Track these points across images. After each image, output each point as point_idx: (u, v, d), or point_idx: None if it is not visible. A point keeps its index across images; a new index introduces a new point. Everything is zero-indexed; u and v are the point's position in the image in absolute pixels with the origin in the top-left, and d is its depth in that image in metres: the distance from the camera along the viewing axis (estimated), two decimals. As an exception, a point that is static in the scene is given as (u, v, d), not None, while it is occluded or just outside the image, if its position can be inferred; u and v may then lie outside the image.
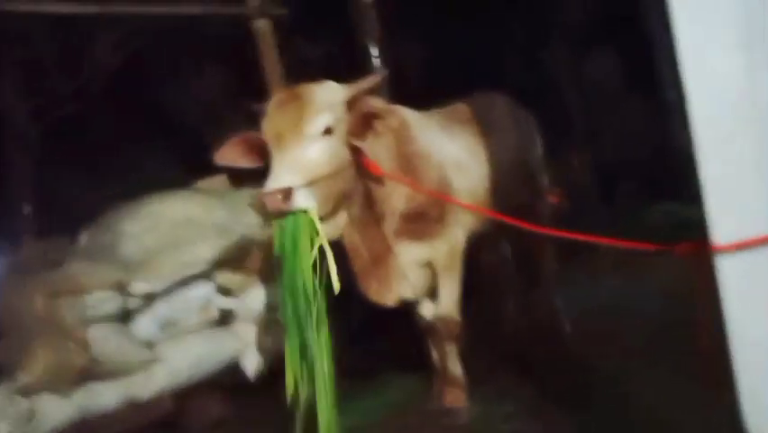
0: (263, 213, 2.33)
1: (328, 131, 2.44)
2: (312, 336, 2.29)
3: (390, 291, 2.83)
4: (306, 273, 2.29)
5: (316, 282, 2.30)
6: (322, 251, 2.35)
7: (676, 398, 2.52)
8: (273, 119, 2.45)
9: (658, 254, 1.71)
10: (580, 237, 2.02)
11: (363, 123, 2.54)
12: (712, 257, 1.48)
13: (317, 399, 2.31)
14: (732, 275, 1.47)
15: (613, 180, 6.70)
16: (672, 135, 6.75)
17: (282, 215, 2.29)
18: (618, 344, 3.30)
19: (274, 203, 2.27)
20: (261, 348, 3.59)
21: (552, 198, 3.84)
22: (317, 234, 2.32)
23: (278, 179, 2.31)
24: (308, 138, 2.40)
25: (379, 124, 2.54)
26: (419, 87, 4.86)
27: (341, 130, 2.50)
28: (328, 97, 2.49)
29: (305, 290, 2.28)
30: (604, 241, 1.90)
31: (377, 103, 2.78)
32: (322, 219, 2.37)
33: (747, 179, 1.48)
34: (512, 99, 3.65)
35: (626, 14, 6.53)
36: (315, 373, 2.30)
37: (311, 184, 2.33)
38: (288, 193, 2.27)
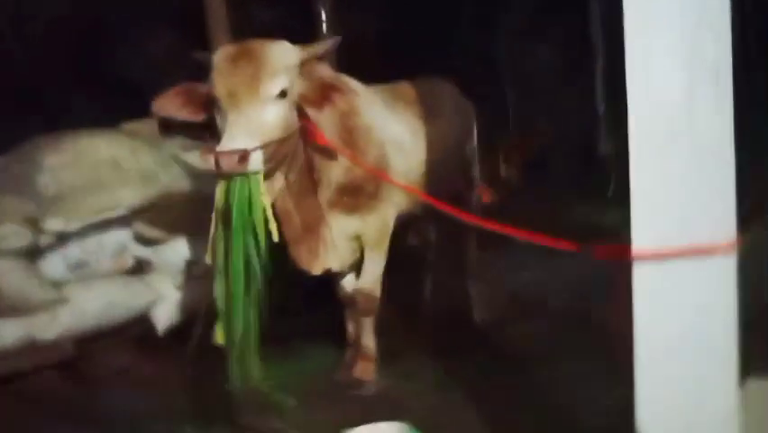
0: (213, 170, 2.30)
1: (283, 94, 2.42)
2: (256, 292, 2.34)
3: (318, 260, 2.84)
4: (259, 231, 2.31)
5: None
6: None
7: (577, 387, 2.68)
8: (226, 75, 2.38)
9: (579, 253, 1.79)
10: (507, 230, 2.09)
11: (322, 93, 2.52)
12: (630, 261, 1.58)
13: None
14: (646, 281, 1.57)
15: (542, 177, 6.92)
16: (597, 141, 7.06)
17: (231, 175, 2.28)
18: (527, 333, 3.46)
19: (230, 163, 2.24)
20: (174, 302, 3.53)
21: (481, 194, 3.93)
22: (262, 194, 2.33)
23: (235, 140, 2.28)
24: (264, 100, 2.37)
25: (337, 98, 2.53)
26: (365, 60, 4.83)
27: (293, 93, 2.48)
28: (284, 58, 2.45)
29: (257, 247, 2.31)
30: (527, 236, 1.98)
31: (327, 71, 2.76)
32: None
33: (674, 191, 1.57)
34: (455, 87, 3.70)
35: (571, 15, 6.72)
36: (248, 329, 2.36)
37: (264, 147, 2.31)
38: (244, 155, 2.25)
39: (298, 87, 2.51)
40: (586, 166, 7.02)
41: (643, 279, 1.60)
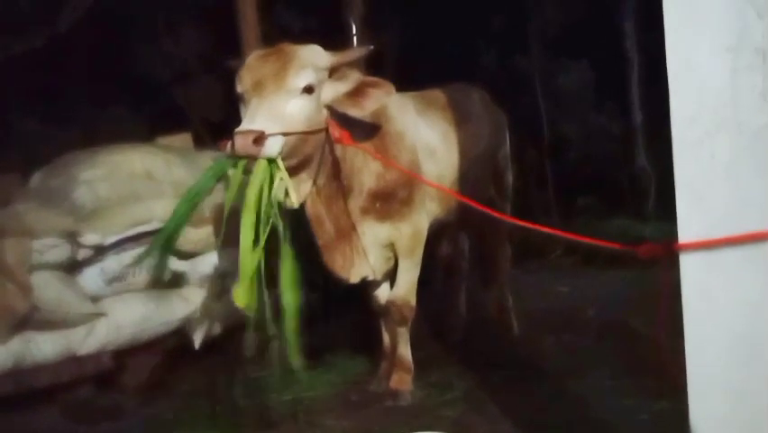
0: (231, 153, 2.31)
1: (309, 89, 2.44)
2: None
3: (354, 268, 2.82)
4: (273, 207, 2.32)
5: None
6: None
7: (619, 399, 2.60)
8: (254, 69, 2.43)
9: (621, 254, 1.72)
10: (548, 229, 2.04)
11: (358, 90, 2.54)
12: (675, 256, 1.51)
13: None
14: (694, 274, 1.50)
15: (572, 192, 6.81)
16: (634, 153, 6.92)
17: (248, 158, 2.29)
18: (563, 345, 3.38)
19: (244, 144, 2.25)
20: (210, 315, 3.53)
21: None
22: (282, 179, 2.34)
23: (253, 121, 2.30)
24: (289, 91, 2.40)
25: (374, 93, 2.54)
26: (395, 69, 4.84)
27: (320, 93, 2.50)
28: (313, 58, 2.49)
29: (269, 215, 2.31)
30: (570, 236, 1.92)
31: (358, 74, 2.76)
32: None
33: (718, 180, 1.51)
34: (487, 94, 3.67)
35: (604, 22, 6.64)
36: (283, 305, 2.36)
37: (283, 136, 2.32)
38: (260, 137, 2.26)
39: (331, 91, 2.54)
40: (624, 179, 6.90)
41: (690, 273, 1.53)
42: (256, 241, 2.32)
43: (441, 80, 3.44)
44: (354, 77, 2.60)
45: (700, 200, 1.51)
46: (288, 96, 2.39)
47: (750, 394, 1.51)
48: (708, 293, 1.50)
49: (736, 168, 1.52)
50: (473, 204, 2.44)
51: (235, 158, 2.31)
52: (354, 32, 4.21)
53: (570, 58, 7.14)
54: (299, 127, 2.40)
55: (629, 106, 6.89)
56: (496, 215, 2.55)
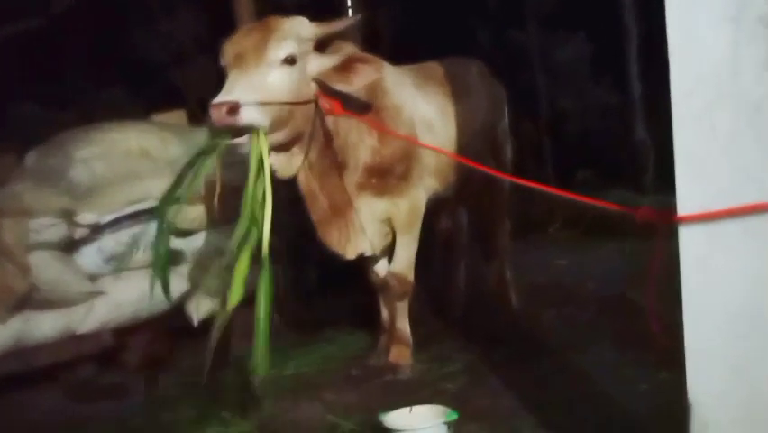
0: (210, 126, 2.36)
1: (290, 60, 2.44)
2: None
3: (350, 243, 2.81)
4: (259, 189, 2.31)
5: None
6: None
7: (619, 371, 2.61)
8: (236, 42, 2.44)
9: (620, 226, 1.72)
10: (550, 189, 2.03)
11: (346, 65, 2.52)
12: (674, 228, 1.50)
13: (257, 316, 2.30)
14: (693, 246, 1.49)
15: (571, 165, 6.79)
16: (634, 126, 6.89)
17: (228, 129, 2.30)
18: (563, 318, 3.39)
19: (218, 114, 2.26)
20: (208, 292, 3.53)
21: None
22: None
23: (229, 93, 2.31)
24: (269, 62, 2.40)
25: (362, 68, 2.53)
26: (391, 46, 4.78)
27: (305, 65, 2.49)
28: (296, 29, 2.48)
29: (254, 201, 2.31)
30: (572, 196, 1.91)
31: (353, 50, 2.73)
32: (273, 150, 2.42)
33: (718, 153, 1.49)
34: (485, 67, 3.63)
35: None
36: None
37: (262, 106, 2.32)
38: (234, 107, 2.27)
39: (317, 64, 2.52)
40: (623, 152, 6.88)
41: (690, 245, 1.52)
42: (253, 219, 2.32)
43: (438, 55, 3.40)
44: (345, 51, 2.59)
45: (700, 172, 1.50)
46: (268, 67, 2.39)
47: (748, 366, 1.52)
48: (707, 266, 1.50)
49: (737, 140, 1.51)
50: (477, 166, 2.44)
51: (217, 131, 2.32)
52: (349, 5, 4.16)
53: (567, 30, 7.07)
54: (281, 99, 2.40)
55: (628, 79, 6.84)
56: (500, 175, 2.56)
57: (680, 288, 1.51)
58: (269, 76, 2.39)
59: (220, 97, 2.30)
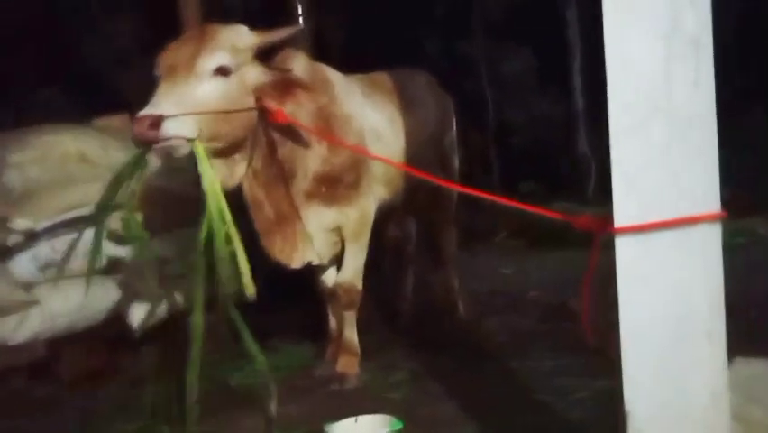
0: (136, 142, 2.29)
1: (222, 71, 2.39)
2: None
3: (296, 252, 2.78)
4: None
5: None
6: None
7: (558, 378, 2.67)
8: (170, 51, 2.39)
9: (562, 236, 1.75)
10: (491, 197, 2.06)
11: (285, 88, 2.50)
12: (611, 235, 1.54)
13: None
14: (628, 257, 1.54)
15: (515, 177, 6.93)
16: (576, 139, 7.08)
17: (150, 144, 2.26)
18: (506, 326, 3.45)
19: (139, 129, 2.22)
20: (149, 302, 3.44)
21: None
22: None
23: (152, 106, 2.26)
24: (199, 74, 2.34)
25: (302, 96, 2.52)
26: (340, 54, 4.79)
27: (242, 75, 2.44)
28: (231, 39, 2.43)
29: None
30: (511, 203, 1.95)
31: (303, 61, 2.72)
32: (213, 157, 2.40)
33: (653, 165, 1.55)
34: (433, 78, 3.68)
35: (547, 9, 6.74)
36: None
37: (189, 118, 2.28)
38: (156, 121, 2.22)
39: (257, 76, 2.48)
40: (566, 164, 7.06)
41: (625, 256, 1.56)
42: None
43: (387, 64, 3.42)
44: (291, 64, 2.57)
45: (635, 184, 1.55)
46: (198, 79, 2.34)
47: (682, 375, 1.57)
48: (642, 275, 1.54)
49: (670, 153, 1.57)
50: (425, 176, 2.46)
51: (140, 144, 2.28)
52: (300, 13, 4.14)
53: (514, 43, 7.22)
54: (209, 108, 2.34)
55: (572, 92, 7.04)
56: (448, 185, 2.74)
57: (616, 297, 1.55)
58: (198, 88, 2.33)
59: (144, 111, 2.25)
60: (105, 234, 2.85)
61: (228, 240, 2.30)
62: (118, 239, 3.38)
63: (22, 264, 3.13)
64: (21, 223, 3.01)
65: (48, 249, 3.15)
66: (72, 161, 3.18)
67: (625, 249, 1.54)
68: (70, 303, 3.16)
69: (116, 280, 3.36)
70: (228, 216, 2.31)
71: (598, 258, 1.62)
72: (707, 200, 1.55)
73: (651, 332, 1.55)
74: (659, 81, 1.57)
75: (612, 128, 1.55)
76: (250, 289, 2.33)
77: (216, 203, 2.30)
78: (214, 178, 2.33)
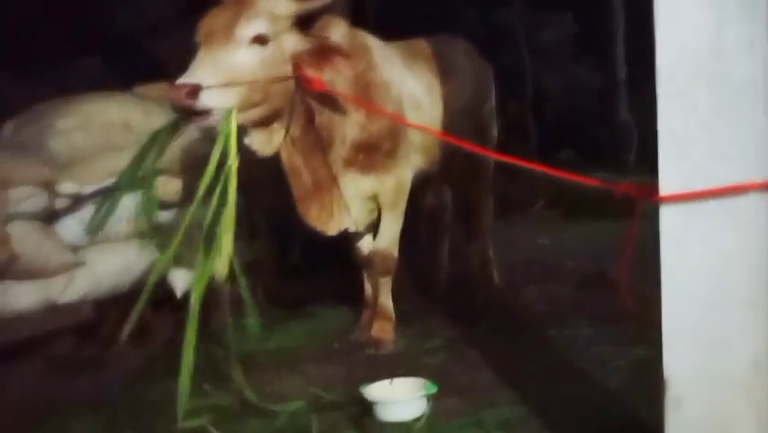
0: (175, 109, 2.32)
1: (260, 39, 2.38)
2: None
3: (332, 219, 2.81)
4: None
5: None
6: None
7: (596, 347, 2.66)
8: (209, 18, 2.39)
9: (601, 205, 1.74)
10: (534, 166, 2.04)
11: (323, 55, 2.48)
12: (656, 203, 1.52)
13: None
14: (673, 226, 1.51)
15: (554, 145, 6.82)
16: (617, 107, 6.92)
17: (189, 112, 2.28)
18: (544, 296, 3.44)
19: (178, 97, 2.23)
20: (189, 265, 3.51)
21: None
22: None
23: (191, 75, 2.27)
24: (237, 41, 2.34)
25: (341, 63, 2.49)
26: (378, 22, 4.74)
27: (280, 43, 2.44)
28: (270, 6, 2.42)
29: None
30: (554, 172, 1.93)
31: (342, 28, 2.70)
32: (251, 127, 2.43)
33: (700, 133, 1.51)
34: (472, 46, 3.62)
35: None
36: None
37: (228, 87, 2.28)
38: (194, 90, 2.23)
39: (295, 44, 2.48)
40: (606, 133, 6.92)
41: (670, 224, 1.54)
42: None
43: (425, 32, 3.38)
44: (329, 32, 2.56)
45: (682, 152, 1.52)
46: (236, 46, 2.34)
47: (723, 344, 1.55)
48: (686, 244, 1.52)
49: (718, 120, 1.53)
50: (462, 144, 2.44)
51: (179, 111, 2.30)
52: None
53: (554, 11, 7.06)
54: (247, 77, 2.35)
55: (614, 60, 6.86)
56: (485, 152, 2.73)
57: (659, 266, 1.53)
58: (236, 56, 2.33)
59: (182, 79, 2.27)
60: (155, 195, 2.94)
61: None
62: (160, 204, 3.47)
63: (69, 227, 3.23)
64: (68, 186, 3.09)
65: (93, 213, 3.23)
66: (116, 128, 3.24)
67: (669, 217, 1.51)
68: (115, 265, 3.26)
69: (158, 244, 3.44)
70: (233, 197, 2.33)
71: (638, 227, 1.60)
72: (755, 169, 1.51)
73: (692, 300, 1.53)
74: (710, 45, 1.52)
75: (659, 94, 1.51)
76: (221, 271, 2.34)
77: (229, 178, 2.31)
78: (235, 157, 2.34)
